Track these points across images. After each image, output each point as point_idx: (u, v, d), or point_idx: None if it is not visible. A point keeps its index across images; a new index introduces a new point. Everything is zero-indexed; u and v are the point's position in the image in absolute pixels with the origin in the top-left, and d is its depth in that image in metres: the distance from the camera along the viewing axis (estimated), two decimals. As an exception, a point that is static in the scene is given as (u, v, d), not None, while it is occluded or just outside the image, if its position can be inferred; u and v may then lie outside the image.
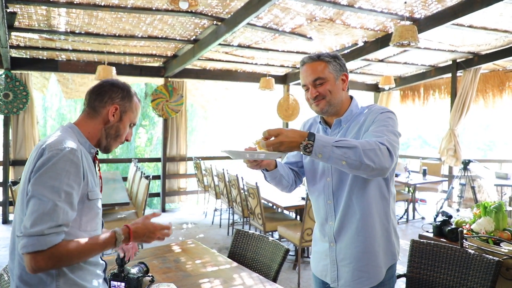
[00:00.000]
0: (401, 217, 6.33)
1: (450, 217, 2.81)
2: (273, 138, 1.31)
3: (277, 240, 2.30)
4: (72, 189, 1.25)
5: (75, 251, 1.25)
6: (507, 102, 7.32)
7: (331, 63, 1.59)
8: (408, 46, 3.87)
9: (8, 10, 4.00)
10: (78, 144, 1.35)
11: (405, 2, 4.03)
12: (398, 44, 3.80)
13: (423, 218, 6.42)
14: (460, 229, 2.41)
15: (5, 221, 6.06)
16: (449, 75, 7.16)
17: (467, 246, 2.39)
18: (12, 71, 5.96)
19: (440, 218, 2.89)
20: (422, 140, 20.72)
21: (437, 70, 7.37)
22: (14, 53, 5.82)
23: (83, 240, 1.29)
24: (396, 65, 7.11)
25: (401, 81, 8.15)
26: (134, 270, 1.78)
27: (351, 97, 1.69)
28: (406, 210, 6.32)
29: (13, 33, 4.84)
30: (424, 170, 6.26)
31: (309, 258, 4.40)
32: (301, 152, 1.30)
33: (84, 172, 1.31)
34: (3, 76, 5.90)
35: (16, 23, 4.48)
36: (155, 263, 2.17)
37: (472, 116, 7.27)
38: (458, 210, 5.97)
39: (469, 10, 4.18)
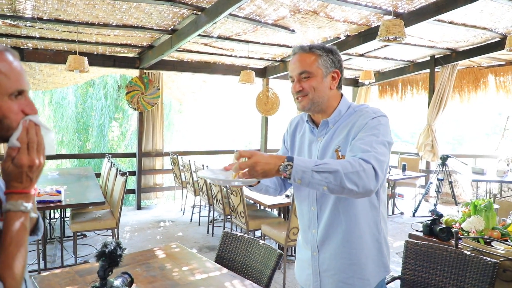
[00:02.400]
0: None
1: (441, 216, 2.77)
2: (246, 159, 1.20)
3: (268, 244, 2.17)
4: None
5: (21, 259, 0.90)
6: (482, 98, 7.49)
7: (322, 57, 1.45)
8: (395, 41, 3.81)
9: (-33, -8, 3.65)
10: None
11: (392, -4, 3.96)
12: (384, 38, 3.72)
13: (402, 213, 6.47)
14: (455, 230, 2.36)
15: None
16: (427, 70, 7.23)
17: (462, 247, 2.34)
18: (-27, 60, 5.51)
19: (419, 213, 2.85)
20: (394, 134, 21.15)
21: (415, 66, 7.43)
22: (-25, 40, 5.38)
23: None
24: (376, 60, 7.11)
25: (379, 76, 8.18)
26: (117, 282, 1.60)
27: (341, 95, 1.55)
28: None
29: (-27, 18, 4.45)
30: (404, 166, 6.30)
31: (294, 256, 4.31)
32: (281, 176, 1.21)
33: None
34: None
35: (-23, 7, 4.11)
36: (139, 272, 2.00)
37: (448, 112, 7.39)
38: (435, 205, 6.06)
39: (453, 6, 4.17)
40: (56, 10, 4.31)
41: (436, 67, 7.03)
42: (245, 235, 2.32)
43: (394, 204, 6.51)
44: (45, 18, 4.51)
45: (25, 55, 5.76)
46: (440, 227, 2.66)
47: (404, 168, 6.26)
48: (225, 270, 2.06)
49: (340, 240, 1.49)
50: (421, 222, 2.87)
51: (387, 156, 1.37)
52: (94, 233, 5.00)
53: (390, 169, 6.10)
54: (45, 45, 5.74)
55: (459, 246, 2.31)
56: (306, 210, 1.58)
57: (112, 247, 1.65)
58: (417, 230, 2.87)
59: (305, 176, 1.19)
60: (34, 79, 6.52)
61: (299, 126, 1.68)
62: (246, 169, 1.21)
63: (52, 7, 4.21)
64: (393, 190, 6.33)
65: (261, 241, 2.21)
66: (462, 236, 2.39)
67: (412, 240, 2.32)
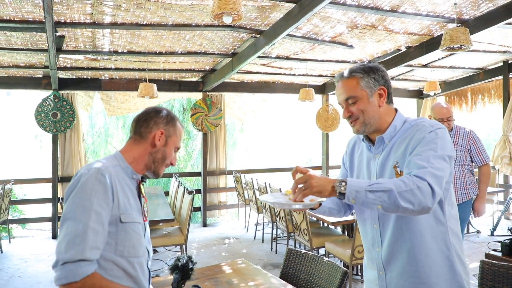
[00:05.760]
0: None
1: (522, 234, 2.56)
2: (302, 186, 1.30)
3: (333, 262, 2.17)
4: (101, 208, 1.30)
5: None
6: None
7: (363, 79, 1.47)
8: (460, 49, 3.64)
9: (57, 34, 4.16)
10: (113, 167, 1.42)
11: (455, 4, 3.81)
12: (448, 48, 3.58)
13: (478, 231, 5.99)
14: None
15: (55, 236, 6.27)
16: (500, 77, 6.74)
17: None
18: (60, 91, 6.21)
19: (498, 232, 2.64)
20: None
21: (486, 73, 6.96)
22: (61, 74, 6.07)
23: (115, 285, 1.35)
24: (441, 69, 6.79)
25: (446, 86, 7.78)
26: (189, 295, 1.71)
27: (396, 110, 1.55)
28: (459, 223, 5.93)
29: (61, 56, 5.04)
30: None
31: (359, 275, 4.20)
32: (337, 196, 1.29)
33: (114, 192, 1.36)
34: (52, 96, 6.16)
35: (64, 46, 4.66)
36: (208, 285, 2.10)
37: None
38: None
39: (526, 7, 3.90)
40: (129, 43, 4.75)
41: (510, 73, 6.54)
42: (309, 252, 2.34)
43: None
44: (120, 51, 4.98)
45: (103, 85, 6.36)
46: (521, 247, 2.46)
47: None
48: (290, 287, 2.09)
49: (406, 258, 1.46)
50: (499, 242, 2.67)
51: (446, 171, 1.34)
52: (164, 249, 5.28)
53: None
54: (119, 75, 6.30)
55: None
56: (369, 229, 1.58)
57: (184, 261, 1.77)
58: (495, 250, 2.68)
59: (359, 196, 1.25)
60: (110, 106, 7.15)
61: (356, 145, 1.71)
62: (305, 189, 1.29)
63: (126, 41, 4.65)
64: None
65: (326, 258, 2.21)
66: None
67: (488, 260, 2.17)
